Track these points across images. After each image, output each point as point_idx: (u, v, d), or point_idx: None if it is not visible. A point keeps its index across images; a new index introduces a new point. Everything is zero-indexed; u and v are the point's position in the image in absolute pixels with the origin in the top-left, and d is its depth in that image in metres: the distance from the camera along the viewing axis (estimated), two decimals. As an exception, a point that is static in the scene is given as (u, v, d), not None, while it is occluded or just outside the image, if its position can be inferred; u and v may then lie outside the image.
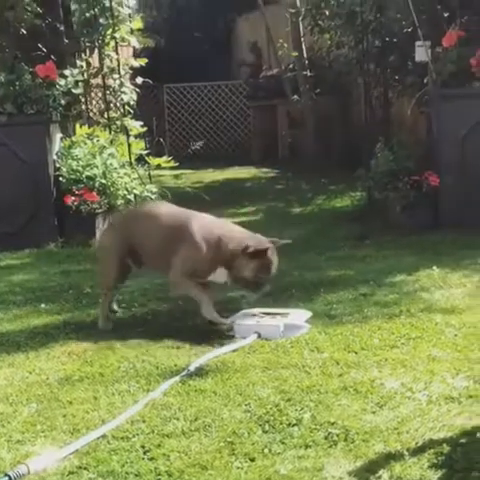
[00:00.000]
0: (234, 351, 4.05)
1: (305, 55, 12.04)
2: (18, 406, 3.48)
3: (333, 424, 3.14)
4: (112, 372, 3.81)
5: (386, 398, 3.37)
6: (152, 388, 3.60)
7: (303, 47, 12.00)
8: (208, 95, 14.86)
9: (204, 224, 4.47)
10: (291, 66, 12.43)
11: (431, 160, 6.93)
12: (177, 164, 7.82)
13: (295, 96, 12.04)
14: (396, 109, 8.90)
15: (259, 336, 4.24)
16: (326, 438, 3.04)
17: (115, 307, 4.79)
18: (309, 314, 4.50)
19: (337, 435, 3.04)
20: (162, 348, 4.14)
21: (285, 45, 12.68)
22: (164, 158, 7.71)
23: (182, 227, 4.42)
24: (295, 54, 12.08)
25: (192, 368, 3.78)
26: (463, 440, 2.97)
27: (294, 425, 3.16)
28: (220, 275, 4.42)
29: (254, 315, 4.44)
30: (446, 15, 7.27)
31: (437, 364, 3.71)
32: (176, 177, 10.75)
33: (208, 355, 3.96)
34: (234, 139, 14.77)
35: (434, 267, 5.48)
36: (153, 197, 7.36)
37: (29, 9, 7.33)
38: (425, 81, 7.22)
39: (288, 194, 9.67)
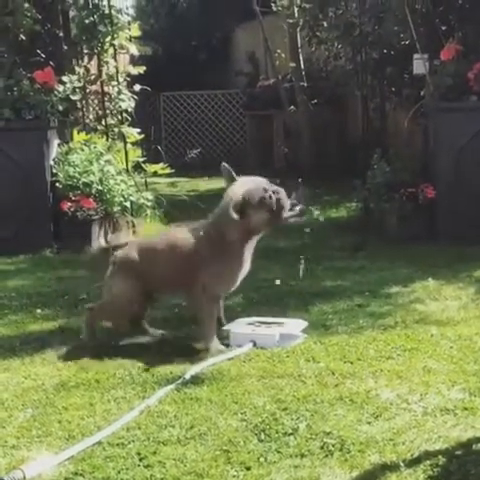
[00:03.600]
0: (230, 359, 4.05)
1: (302, 66, 12.08)
2: (13, 411, 3.48)
3: (329, 434, 3.14)
4: (108, 379, 3.81)
5: (382, 409, 3.37)
6: (148, 395, 3.60)
7: (300, 58, 12.04)
8: (205, 104, 14.90)
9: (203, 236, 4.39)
10: (288, 76, 12.48)
11: (427, 172, 6.96)
12: (173, 171, 7.84)
13: (292, 106, 12.07)
14: (393, 121, 8.93)
15: (255, 345, 4.24)
16: (322, 448, 3.04)
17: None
18: (305, 324, 4.50)
19: (333, 445, 3.05)
20: (158, 355, 4.14)
21: (282, 55, 12.72)
22: (160, 165, 7.73)
23: (192, 251, 4.27)
24: (292, 64, 12.12)
25: (188, 376, 3.79)
26: (459, 452, 2.98)
27: (290, 434, 3.17)
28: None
29: (250, 324, 4.44)
30: (444, 28, 7.31)
31: (432, 376, 3.72)
32: (171, 185, 10.78)
33: (204, 363, 3.96)
34: (230, 148, 14.79)
35: (429, 279, 5.50)
36: (149, 204, 7.36)
37: (28, 15, 7.31)
38: (422, 94, 7.26)
39: (283, 204, 9.66)
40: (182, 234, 4.39)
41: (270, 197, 4.23)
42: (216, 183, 11.93)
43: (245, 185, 4.29)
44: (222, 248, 4.22)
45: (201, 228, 4.34)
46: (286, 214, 4.30)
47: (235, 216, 4.11)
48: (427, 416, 3.30)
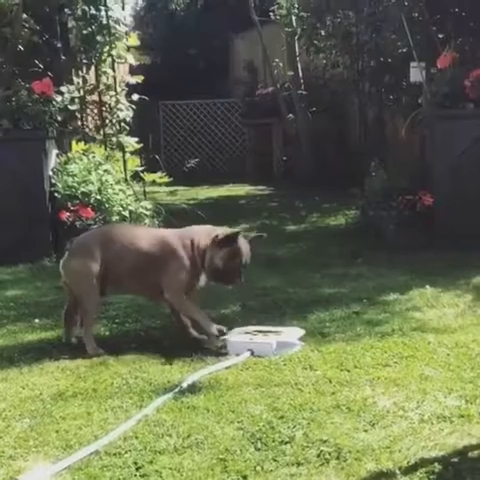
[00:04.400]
0: (227, 368, 4.06)
1: (300, 74, 12.12)
2: (11, 421, 3.48)
3: (325, 442, 3.15)
4: (105, 388, 3.82)
5: (378, 417, 3.38)
6: (145, 404, 3.60)
7: (299, 66, 12.09)
8: (203, 112, 14.95)
9: (178, 233, 4.52)
10: (286, 85, 12.52)
11: (425, 180, 6.98)
12: (171, 179, 7.86)
13: (290, 115, 12.11)
14: (390, 129, 8.96)
15: (252, 353, 4.25)
16: (318, 456, 3.05)
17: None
18: (302, 332, 4.51)
19: (329, 453, 3.05)
20: (155, 364, 4.14)
21: (281, 64, 12.76)
22: (158, 174, 7.74)
23: (160, 242, 4.44)
24: (291, 73, 12.16)
25: (185, 385, 3.79)
26: (455, 459, 2.98)
27: (286, 443, 3.17)
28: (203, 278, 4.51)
29: (247, 333, 4.45)
30: (441, 37, 7.34)
31: (429, 383, 3.73)
32: (171, 193, 10.78)
33: (201, 372, 3.97)
34: (229, 156, 14.82)
35: (427, 286, 5.51)
36: (148, 213, 7.38)
37: (27, 26, 7.37)
38: (419, 101, 7.29)
39: (282, 212, 9.70)
40: (160, 234, 4.59)
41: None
42: (215, 191, 12.00)
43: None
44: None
45: (186, 242, 4.45)
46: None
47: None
48: (424, 424, 3.30)
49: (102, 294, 4.51)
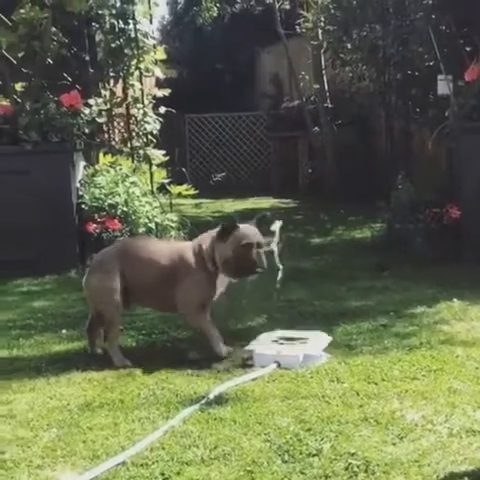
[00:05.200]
0: (253, 380, 4.05)
1: (326, 87, 12.13)
2: (39, 431, 3.50)
3: (353, 455, 3.12)
4: (132, 399, 3.82)
5: (407, 430, 3.35)
6: (171, 415, 3.60)
7: (324, 79, 12.10)
8: (229, 126, 14.99)
9: (191, 246, 4.53)
10: (312, 98, 12.53)
11: (452, 193, 6.94)
12: (198, 192, 7.88)
13: (316, 128, 12.11)
14: (417, 142, 8.93)
15: (279, 365, 4.24)
16: (346, 469, 3.02)
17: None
18: (329, 339, 4.50)
19: (357, 466, 3.03)
20: (181, 376, 4.14)
21: (306, 77, 12.78)
22: (184, 186, 7.77)
23: (176, 256, 4.45)
24: (316, 86, 12.17)
25: (211, 396, 3.78)
26: (485, 474, 2.95)
27: (314, 455, 3.15)
28: (222, 281, 4.48)
29: (274, 341, 4.44)
30: (468, 49, 7.32)
31: (458, 397, 3.69)
32: (196, 206, 10.83)
33: (227, 383, 3.96)
34: (254, 169, 14.85)
35: (454, 299, 5.47)
36: (173, 225, 7.40)
37: (55, 39, 7.44)
38: (446, 114, 7.26)
39: (307, 224, 9.69)
40: (174, 248, 4.63)
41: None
42: (241, 204, 12.00)
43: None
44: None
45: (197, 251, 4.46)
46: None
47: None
48: (452, 437, 3.27)
49: (127, 307, 4.54)
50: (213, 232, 4.48)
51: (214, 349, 4.41)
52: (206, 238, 4.49)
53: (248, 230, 4.35)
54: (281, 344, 4.40)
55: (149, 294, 4.53)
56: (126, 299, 4.48)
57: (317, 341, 4.45)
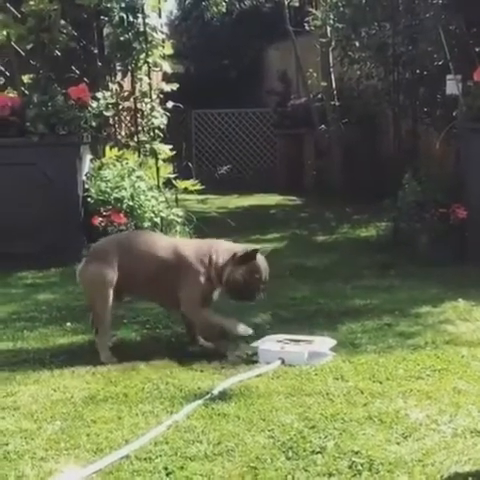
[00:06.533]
0: (258, 376, 4.05)
1: (334, 85, 12.10)
2: (42, 423, 3.50)
3: (357, 453, 3.12)
4: (136, 393, 3.82)
5: (411, 429, 3.34)
6: (175, 410, 3.60)
7: (332, 77, 12.07)
8: (236, 122, 14.98)
9: (195, 247, 4.51)
10: (319, 95, 12.50)
11: (459, 193, 6.92)
12: (203, 188, 7.88)
13: (322, 125, 12.09)
14: (424, 141, 8.90)
15: (283, 362, 4.23)
16: (350, 467, 3.02)
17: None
18: (333, 342, 4.48)
19: (361, 464, 3.03)
20: (186, 370, 4.14)
21: (314, 75, 12.76)
22: (191, 181, 7.76)
23: (175, 256, 4.43)
24: (324, 84, 12.15)
25: (216, 392, 3.78)
26: (489, 474, 2.94)
27: (318, 453, 3.14)
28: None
29: (279, 341, 4.43)
30: (478, 50, 7.29)
31: (463, 397, 3.69)
32: (202, 202, 10.82)
33: (232, 379, 3.96)
34: (260, 166, 14.84)
35: (460, 299, 5.46)
36: (179, 220, 7.39)
37: (64, 32, 7.43)
38: (454, 114, 7.24)
39: (312, 222, 9.68)
40: (175, 244, 4.58)
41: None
42: (246, 200, 12.00)
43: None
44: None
45: (203, 256, 4.43)
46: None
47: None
48: (457, 437, 3.27)
49: (117, 299, 4.50)
50: (228, 247, 4.46)
51: (233, 332, 4.39)
52: (220, 250, 4.43)
53: (263, 264, 4.42)
54: (286, 344, 4.39)
55: (146, 287, 4.50)
56: (118, 293, 4.44)
57: (322, 343, 4.44)
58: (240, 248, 4.45)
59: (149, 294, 4.64)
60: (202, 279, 4.38)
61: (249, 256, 4.36)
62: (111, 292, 4.38)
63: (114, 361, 4.29)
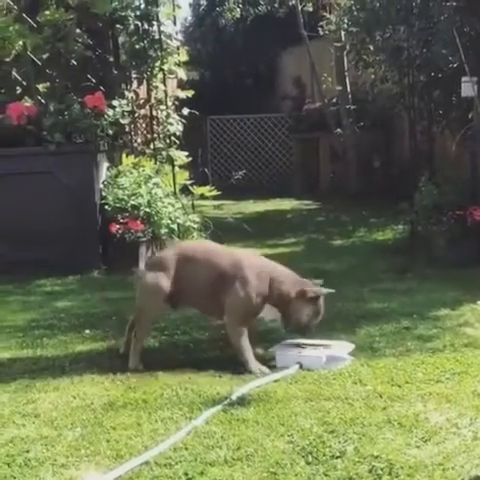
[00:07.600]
0: (276, 381, 4.05)
1: (349, 89, 12.10)
2: (63, 430, 3.51)
3: (377, 457, 3.11)
4: (155, 399, 3.83)
5: (431, 433, 3.33)
6: (194, 416, 3.60)
7: (347, 81, 12.07)
8: (251, 127, 15.00)
9: (254, 263, 4.46)
10: (334, 100, 12.50)
11: (476, 195, 6.90)
12: (219, 193, 7.89)
13: (338, 129, 12.09)
14: (440, 144, 8.87)
15: (301, 367, 4.23)
16: (370, 471, 3.01)
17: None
18: (352, 346, 4.48)
19: (381, 469, 3.02)
20: (204, 376, 4.15)
21: (329, 79, 12.76)
22: (207, 187, 7.79)
23: (234, 266, 4.38)
24: (339, 88, 12.15)
25: (234, 397, 3.78)
26: (510, 478, 2.93)
27: (337, 457, 3.14)
28: (267, 312, 4.47)
29: (297, 345, 4.43)
30: (493, 51, 7.27)
31: (482, 400, 3.68)
32: (217, 207, 10.83)
33: (250, 384, 3.96)
34: (276, 171, 14.85)
35: (478, 302, 5.44)
36: (195, 227, 7.41)
37: (80, 40, 7.49)
38: (470, 116, 7.22)
39: (329, 226, 9.68)
40: (235, 257, 4.49)
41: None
42: (262, 206, 12.01)
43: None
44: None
45: (261, 274, 4.39)
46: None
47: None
48: (477, 441, 3.25)
49: (174, 308, 4.52)
50: (293, 279, 4.42)
51: (246, 367, 4.28)
52: (285, 278, 4.39)
53: (322, 306, 4.43)
54: (304, 348, 4.39)
55: (202, 299, 4.47)
56: (175, 301, 4.44)
57: (340, 347, 4.44)
58: (307, 285, 4.40)
59: (204, 307, 4.59)
60: (254, 295, 4.34)
61: (318, 297, 4.38)
62: (162, 302, 4.39)
63: (140, 368, 4.30)
